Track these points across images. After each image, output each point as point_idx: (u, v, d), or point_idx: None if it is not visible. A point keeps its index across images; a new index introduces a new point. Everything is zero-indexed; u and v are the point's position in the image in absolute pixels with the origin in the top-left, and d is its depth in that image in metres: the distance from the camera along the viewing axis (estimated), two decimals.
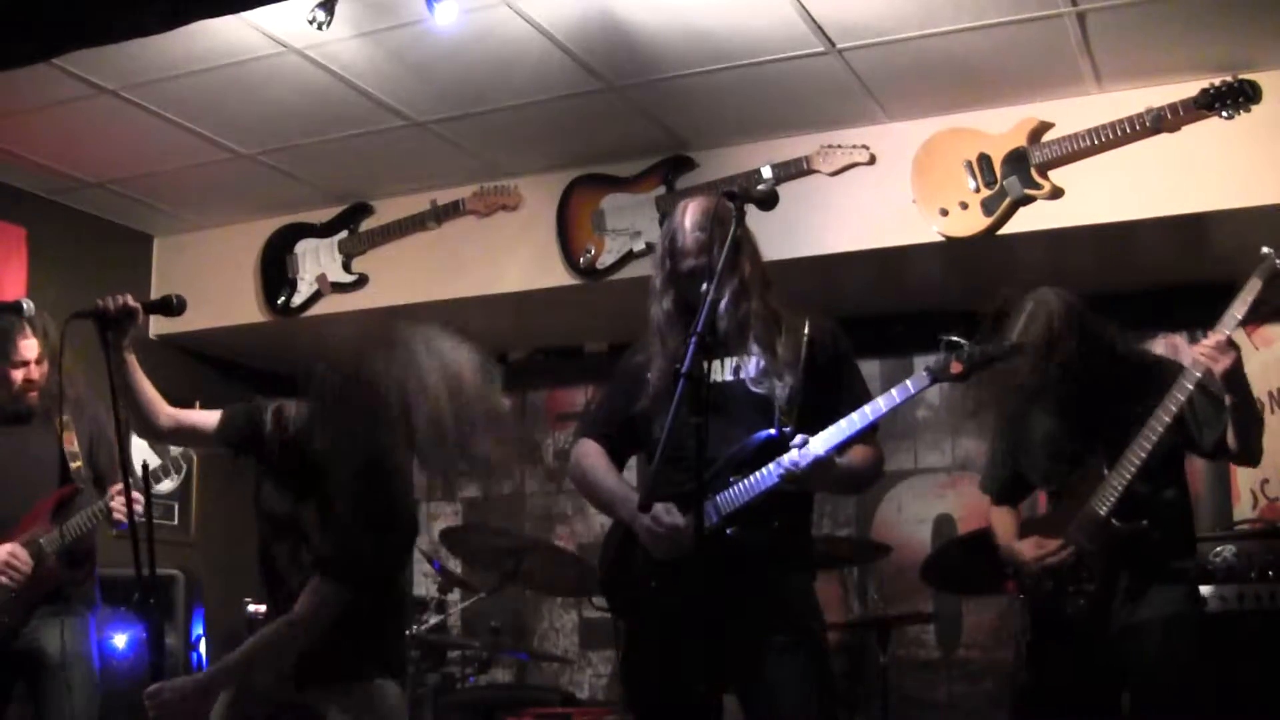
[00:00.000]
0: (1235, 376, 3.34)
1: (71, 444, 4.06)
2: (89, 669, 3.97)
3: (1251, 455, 3.46)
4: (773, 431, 2.90)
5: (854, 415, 2.86)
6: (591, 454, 3.15)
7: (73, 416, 4.10)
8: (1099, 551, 3.38)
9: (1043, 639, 3.54)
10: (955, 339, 2.82)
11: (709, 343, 2.65)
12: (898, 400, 2.84)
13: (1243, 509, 5.37)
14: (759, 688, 2.84)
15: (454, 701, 5.04)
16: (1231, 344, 3.31)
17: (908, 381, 2.84)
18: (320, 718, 2.97)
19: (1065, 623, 3.44)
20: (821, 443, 2.84)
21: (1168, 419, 3.32)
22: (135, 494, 3.48)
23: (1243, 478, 5.39)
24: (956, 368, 2.75)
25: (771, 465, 2.85)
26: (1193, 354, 3.34)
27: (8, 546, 3.84)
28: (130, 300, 3.00)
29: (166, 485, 6.04)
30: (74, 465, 4.04)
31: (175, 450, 4.10)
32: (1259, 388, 5.40)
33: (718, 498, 2.87)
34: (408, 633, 4.77)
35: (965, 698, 5.68)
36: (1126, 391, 3.46)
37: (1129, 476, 3.34)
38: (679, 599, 2.76)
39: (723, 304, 2.94)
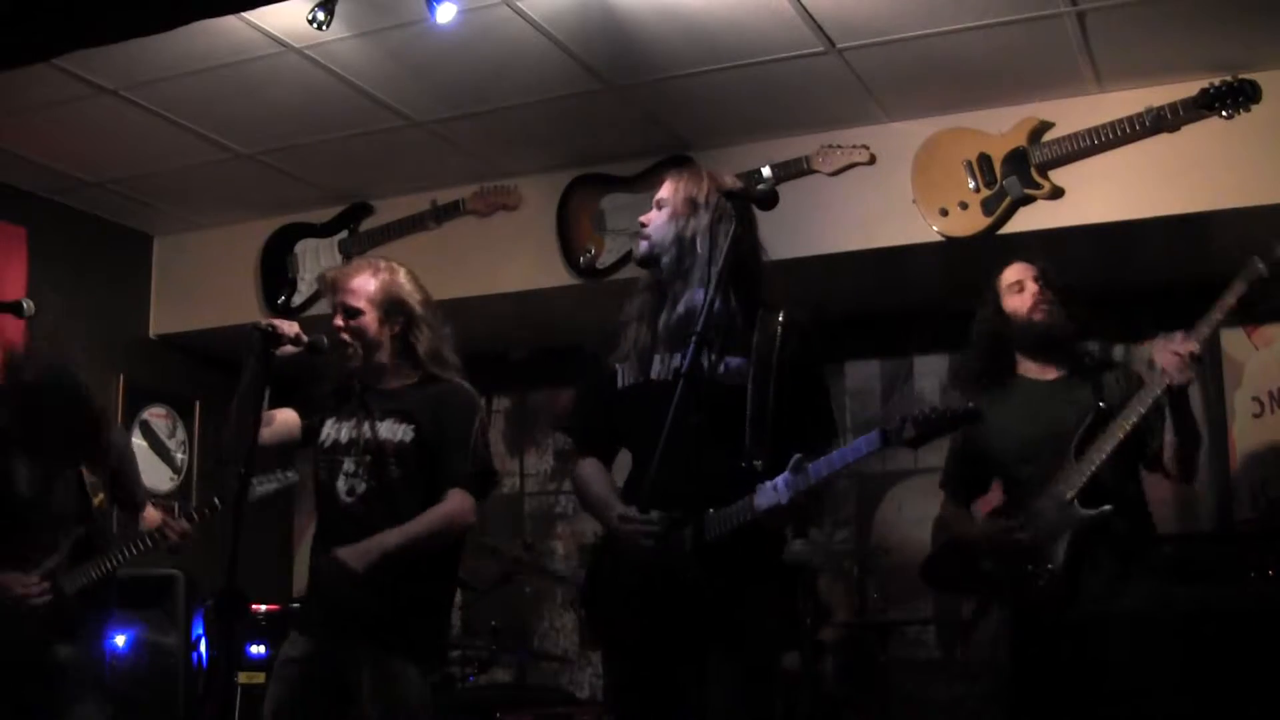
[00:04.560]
0: (1183, 394, 3.33)
1: (92, 473, 3.96)
2: (100, 706, 3.88)
3: (1187, 474, 3.48)
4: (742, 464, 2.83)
5: (819, 464, 2.77)
6: (586, 469, 3.13)
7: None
8: (1061, 532, 3.38)
9: (1020, 634, 3.54)
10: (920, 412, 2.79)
11: (708, 340, 2.65)
12: (850, 460, 2.75)
13: (1242, 508, 5.37)
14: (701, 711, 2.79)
15: (454, 701, 5.04)
16: (1198, 360, 3.30)
17: (860, 440, 2.75)
18: (355, 682, 3.27)
19: (1038, 613, 3.44)
20: (785, 491, 2.77)
21: (1135, 418, 3.35)
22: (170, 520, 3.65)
23: (1242, 477, 5.40)
24: (910, 434, 2.70)
25: (743, 502, 2.79)
26: (1162, 359, 3.32)
27: (12, 577, 3.73)
28: (303, 334, 3.31)
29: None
30: (95, 500, 3.93)
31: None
32: (1259, 387, 5.42)
33: (687, 531, 2.78)
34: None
35: (965, 698, 5.68)
36: (1087, 373, 3.56)
37: (1095, 466, 3.36)
38: (643, 623, 2.79)
39: (689, 298, 2.91)
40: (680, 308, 2.94)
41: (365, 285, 3.46)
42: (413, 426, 3.40)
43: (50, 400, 3.84)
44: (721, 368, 2.88)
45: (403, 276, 3.52)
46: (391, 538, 3.27)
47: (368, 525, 3.32)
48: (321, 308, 6.08)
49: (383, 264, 3.55)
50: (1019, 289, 3.65)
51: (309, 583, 3.52)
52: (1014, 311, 3.64)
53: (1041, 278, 3.65)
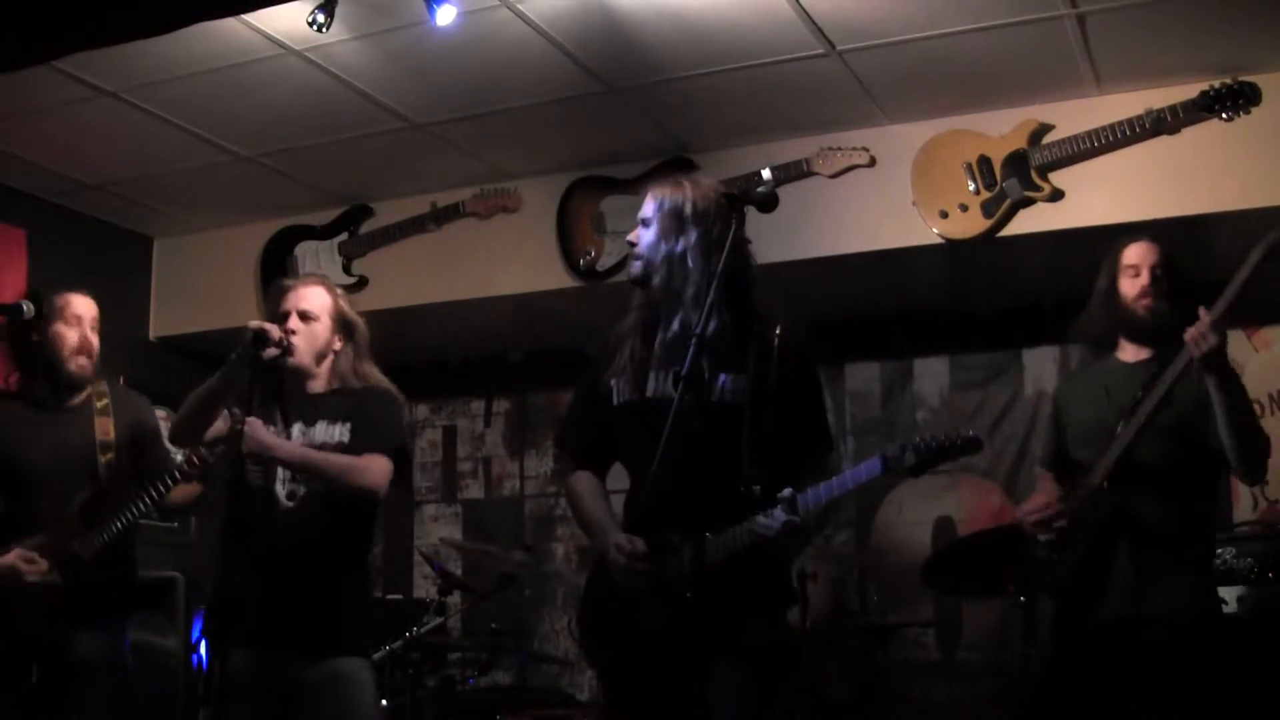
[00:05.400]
0: (1214, 364, 3.19)
1: (107, 433, 3.89)
2: (122, 683, 3.84)
3: (1251, 474, 3.32)
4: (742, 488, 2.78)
5: (819, 490, 2.74)
6: (580, 484, 3.10)
7: (113, 402, 3.96)
8: (1088, 522, 3.32)
9: (1055, 623, 3.50)
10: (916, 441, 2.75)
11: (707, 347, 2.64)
12: (850, 486, 2.74)
13: (1243, 511, 5.37)
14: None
15: (454, 703, 5.04)
16: (1216, 329, 3.17)
17: (861, 467, 2.75)
18: (296, 694, 3.28)
19: (1070, 610, 3.41)
20: (784, 516, 2.72)
21: (1160, 394, 3.25)
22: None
23: None
24: (910, 460, 2.70)
25: (742, 528, 2.75)
26: (1185, 335, 3.23)
27: (15, 553, 3.69)
28: (284, 338, 3.42)
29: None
30: (103, 459, 3.85)
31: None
32: (1259, 390, 5.42)
33: (685, 553, 2.74)
34: (407, 635, 4.78)
35: (965, 699, 5.68)
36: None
37: (1126, 443, 3.28)
38: (644, 649, 2.77)
39: (683, 316, 2.87)
40: (675, 325, 2.90)
41: (322, 298, 3.57)
42: (347, 425, 3.46)
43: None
44: (718, 384, 2.86)
45: (347, 299, 3.67)
46: (289, 447, 3.36)
47: (307, 528, 3.37)
48: None
49: (332, 283, 3.70)
50: (1134, 273, 3.50)
51: (233, 591, 3.34)
52: (1124, 294, 3.50)
53: (1160, 265, 3.49)
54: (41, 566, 3.70)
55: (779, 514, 2.71)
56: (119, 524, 3.75)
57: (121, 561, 3.89)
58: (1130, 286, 3.51)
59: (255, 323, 3.34)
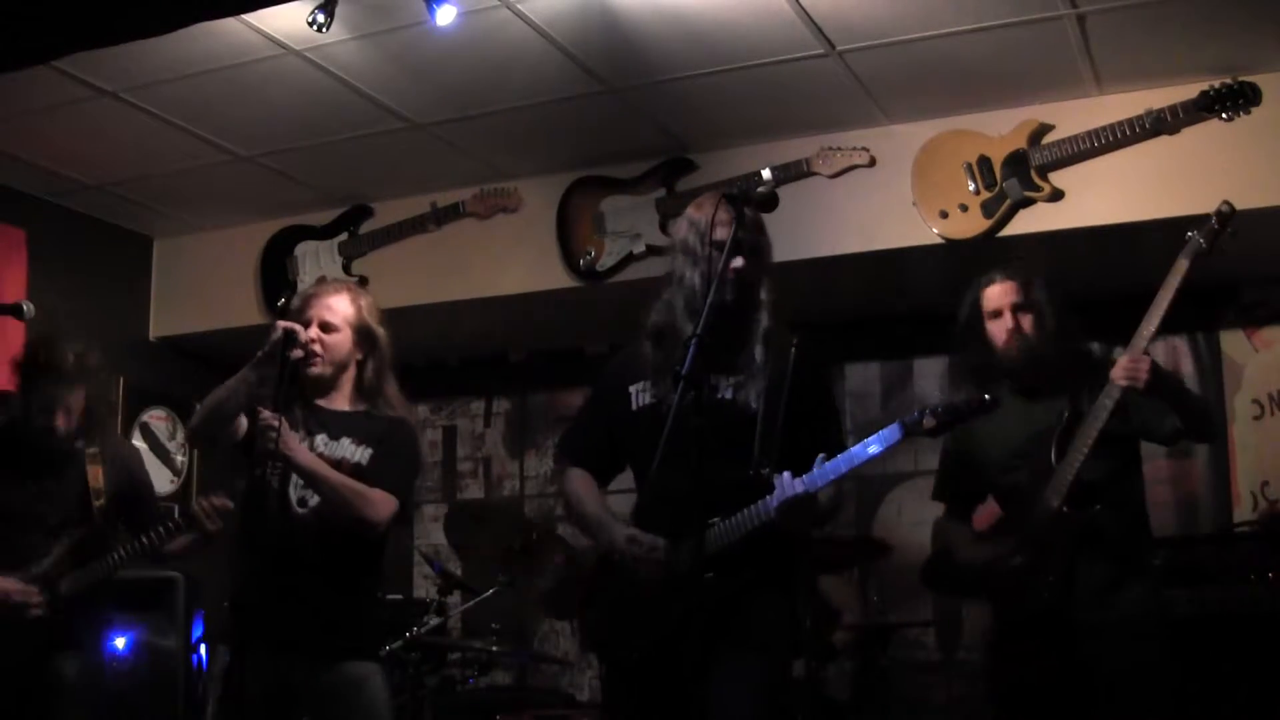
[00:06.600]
0: (1158, 385, 3.27)
1: (97, 480, 3.92)
2: (104, 699, 3.92)
3: (1210, 435, 3.58)
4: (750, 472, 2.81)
5: (839, 460, 2.77)
6: (576, 482, 3.13)
7: (101, 449, 3.97)
8: (1057, 543, 3.34)
9: (1010, 640, 3.52)
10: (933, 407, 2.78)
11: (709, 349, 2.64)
12: (870, 454, 2.77)
13: (1243, 511, 5.37)
14: (710, 706, 2.78)
15: (454, 703, 5.04)
16: (1144, 356, 3.26)
17: (880, 433, 2.77)
18: (305, 697, 3.29)
19: (1031, 620, 3.41)
20: (801, 484, 2.76)
21: (1101, 422, 3.29)
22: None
23: (1243, 479, 5.40)
24: (930, 423, 2.74)
25: (758, 504, 2.78)
26: (1112, 374, 3.28)
27: (14, 581, 3.70)
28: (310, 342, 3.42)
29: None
30: (96, 504, 3.89)
31: None
32: (1258, 390, 5.42)
33: (686, 546, 2.77)
34: (408, 635, 4.78)
35: (965, 700, 5.67)
36: (1071, 384, 3.44)
37: (1075, 469, 3.30)
38: (651, 637, 2.79)
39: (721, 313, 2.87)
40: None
41: (344, 307, 3.54)
42: (370, 450, 3.46)
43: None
44: (726, 385, 2.89)
45: (373, 307, 3.61)
46: (309, 457, 3.34)
47: (320, 537, 3.35)
48: None
49: (360, 291, 3.66)
50: (997, 316, 3.50)
51: (245, 593, 3.33)
52: (994, 339, 3.51)
53: (1021, 303, 3.48)
54: (37, 601, 3.71)
55: (796, 483, 2.74)
56: (104, 569, 3.82)
57: (98, 598, 3.92)
58: (997, 329, 3.50)
59: (285, 323, 3.32)
